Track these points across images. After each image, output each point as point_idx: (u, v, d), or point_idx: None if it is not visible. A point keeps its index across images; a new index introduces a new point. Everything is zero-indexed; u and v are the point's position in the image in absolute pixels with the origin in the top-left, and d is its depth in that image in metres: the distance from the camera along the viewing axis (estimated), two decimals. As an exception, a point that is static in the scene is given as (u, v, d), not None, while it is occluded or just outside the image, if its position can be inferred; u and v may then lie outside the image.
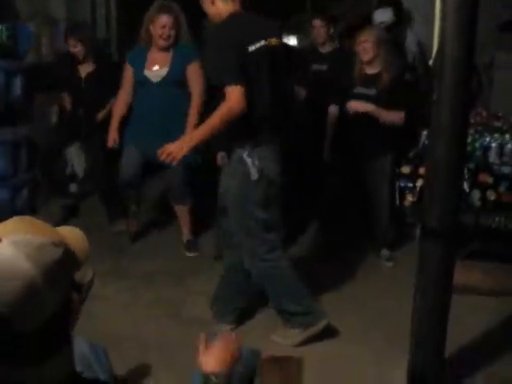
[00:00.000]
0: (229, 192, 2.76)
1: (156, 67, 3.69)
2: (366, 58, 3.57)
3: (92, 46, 4.28)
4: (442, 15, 2.13)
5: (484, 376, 2.62)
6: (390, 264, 3.79)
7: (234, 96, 2.47)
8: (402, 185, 3.49)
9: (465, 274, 3.26)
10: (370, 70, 3.62)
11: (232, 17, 2.62)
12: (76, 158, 5.13)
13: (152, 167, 3.83)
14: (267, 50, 2.61)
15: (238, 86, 2.48)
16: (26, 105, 4.55)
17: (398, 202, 3.49)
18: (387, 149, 3.64)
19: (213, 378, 1.37)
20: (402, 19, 4.20)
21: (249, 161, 2.60)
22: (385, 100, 3.54)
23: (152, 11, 3.66)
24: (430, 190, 2.30)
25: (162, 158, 2.52)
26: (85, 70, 4.28)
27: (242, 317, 3.06)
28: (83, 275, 2.24)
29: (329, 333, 2.91)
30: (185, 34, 3.70)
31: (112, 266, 3.75)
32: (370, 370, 2.68)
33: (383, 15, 4.26)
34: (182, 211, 3.94)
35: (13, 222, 1.04)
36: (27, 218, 1.07)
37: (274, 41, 2.65)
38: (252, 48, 2.56)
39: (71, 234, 1.13)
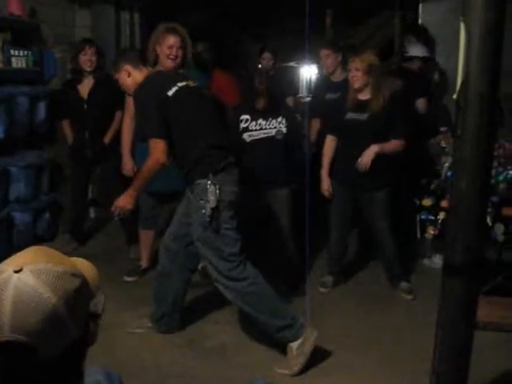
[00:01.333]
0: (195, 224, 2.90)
1: None
2: (355, 85, 3.59)
3: (101, 61, 4.39)
4: (465, 47, 2.12)
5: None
6: (409, 297, 3.73)
7: (158, 149, 2.82)
8: (424, 217, 3.44)
9: (487, 309, 3.18)
10: (362, 96, 3.63)
11: (147, 77, 2.99)
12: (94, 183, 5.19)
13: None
14: (187, 90, 2.95)
15: (160, 140, 2.82)
16: (49, 129, 4.63)
17: (419, 234, 3.45)
18: (384, 181, 3.64)
19: None
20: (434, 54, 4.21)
21: (211, 189, 2.77)
22: (377, 125, 3.55)
23: (158, 32, 3.67)
24: (454, 224, 2.25)
25: (115, 213, 2.94)
26: (85, 88, 4.33)
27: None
28: (96, 303, 2.24)
29: (344, 365, 2.87)
30: (189, 56, 3.72)
31: (129, 293, 3.75)
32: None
33: (419, 50, 4.25)
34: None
35: (32, 251, 1.06)
36: (45, 248, 1.08)
37: (191, 83, 3.00)
38: (170, 92, 2.89)
39: (82, 265, 1.15)
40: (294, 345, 2.84)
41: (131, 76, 3.01)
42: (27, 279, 0.97)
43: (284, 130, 3.77)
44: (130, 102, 3.81)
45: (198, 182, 2.83)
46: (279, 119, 3.78)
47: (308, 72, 6.34)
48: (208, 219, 2.78)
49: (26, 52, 4.36)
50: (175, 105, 2.88)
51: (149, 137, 2.85)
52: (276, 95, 3.87)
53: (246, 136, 3.77)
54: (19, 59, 4.31)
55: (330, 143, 3.79)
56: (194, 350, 3.12)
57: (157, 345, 3.16)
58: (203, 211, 2.79)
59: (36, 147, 4.57)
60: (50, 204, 4.65)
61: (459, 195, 2.21)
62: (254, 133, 3.75)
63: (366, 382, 2.81)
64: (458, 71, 2.23)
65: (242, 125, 3.77)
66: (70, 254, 4.43)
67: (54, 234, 4.68)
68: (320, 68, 5.06)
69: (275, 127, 3.76)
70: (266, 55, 5.30)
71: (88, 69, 4.30)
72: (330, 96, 4.34)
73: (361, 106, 3.63)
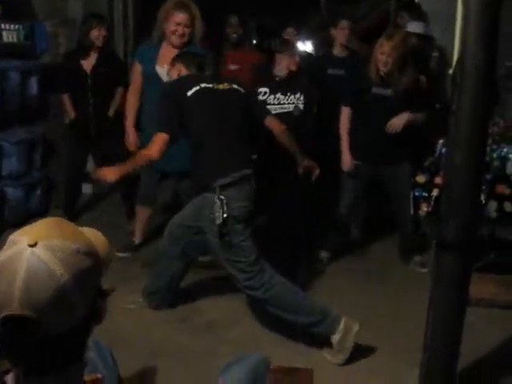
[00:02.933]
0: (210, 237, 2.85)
1: (166, 65, 3.53)
2: (384, 69, 3.51)
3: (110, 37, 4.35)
4: (463, 23, 2.10)
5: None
6: (424, 270, 3.72)
7: (156, 143, 2.81)
8: (417, 194, 3.44)
9: (480, 286, 3.21)
10: (385, 71, 3.56)
11: (181, 76, 3.05)
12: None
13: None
14: (210, 92, 2.89)
15: (161, 134, 2.81)
16: (41, 104, 4.57)
17: (412, 211, 3.46)
18: (406, 154, 3.64)
19: None
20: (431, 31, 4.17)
21: (217, 205, 2.71)
22: (402, 100, 3.51)
23: (167, 7, 3.59)
24: (447, 201, 2.26)
25: (97, 175, 2.88)
26: (88, 63, 4.27)
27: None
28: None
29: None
30: (198, 34, 3.63)
31: (121, 268, 3.74)
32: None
33: (417, 27, 4.20)
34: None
35: (47, 225, 1.02)
36: (61, 221, 1.05)
37: (222, 85, 2.93)
38: (190, 92, 2.85)
39: (96, 238, 1.11)
40: (334, 340, 2.75)
41: (180, 75, 3.07)
42: (41, 254, 0.94)
43: (301, 106, 3.75)
44: (136, 72, 3.76)
45: (206, 195, 2.78)
46: (297, 95, 3.75)
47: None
48: (218, 234, 2.75)
49: (17, 26, 4.29)
50: (192, 105, 2.85)
51: (157, 128, 2.86)
52: (296, 71, 3.83)
53: None
54: (10, 33, 4.24)
55: (346, 115, 3.71)
56: (187, 326, 3.12)
57: (149, 321, 3.17)
58: (212, 225, 2.76)
59: (28, 122, 4.52)
60: (43, 179, 4.62)
61: (453, 171, 2.21)
62: (271, 107, 3.68)
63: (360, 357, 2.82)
64: (455, 47, 2.22)
65: (260, 97, 3.71)
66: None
67: (46, 210, 4.66)
68: (319, 43, 5.00)
69: (293, 103, 3.75)
70: (289, 30, 5.17)
71: (99, 44, 4.23)
72: (332, 71, 4.30)
73: (385, 81, 3.55)
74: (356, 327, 2.74)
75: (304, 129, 3.78)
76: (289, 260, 3.62)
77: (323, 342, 2.83)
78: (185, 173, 3.44)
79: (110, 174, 2.82)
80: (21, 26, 4.34)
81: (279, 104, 3.75)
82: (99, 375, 1.81)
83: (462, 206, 2.20)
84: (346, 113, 3.72)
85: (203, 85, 2.88)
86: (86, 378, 1.82)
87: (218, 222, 2.71)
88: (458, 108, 2.13)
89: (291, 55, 3.71)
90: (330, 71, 4.31)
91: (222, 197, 2.71)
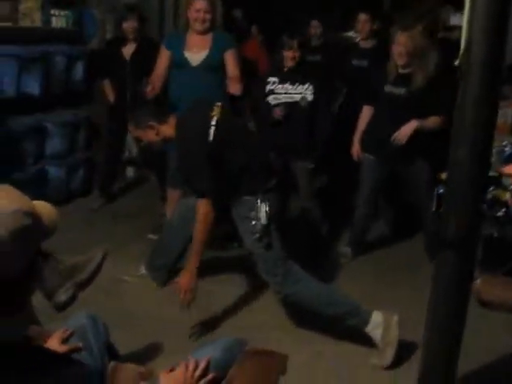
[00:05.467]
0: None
1: (195, 50, 3.70)
2: (400, 61, 3.45)
3: (143, 27, 4.43)
4: (469, 12, 2.02)
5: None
6: None
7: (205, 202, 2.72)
8: (441, 191, 3.33)
9: (504, 290, 3.10)
10: (403, 70, 3.50)
11: None
12: (132, 143, 5.30)
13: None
14: (221, 122, 2.70)
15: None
16: (87, 88, 4.75)
17: (434, 208, 3.35)
18: (423, 152, 3.55)
19: None
20: None
21: (262, 207, 2.72)
22: (414, 101, 3.43)
23: None
24: (449, 196, 2.19)
25: (181, 297, 2.77)
26: (128, 51, 4.38)
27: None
28: (93, 256, 2.32)
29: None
30: (219, 19, 3.76)
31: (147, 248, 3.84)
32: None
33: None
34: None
35: None
36: (6, 187, 1.16)
37: (216, 112, 2.74)
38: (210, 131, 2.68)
39: (44, 208, 1.22)
40: (377, 338, 2.72)
41: None
42: None
43: (309, 97, 3.73)
44: (162, 58, 3.78)
45: (246, 198, 2.79)
46: (306, 85, 3.74)
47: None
48: (258, 236, 2.76)
49: (65, 12, 4.47)
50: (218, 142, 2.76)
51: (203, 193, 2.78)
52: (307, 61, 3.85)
53: (271, 98, 3.77)
54: (59, 19, 4.43)
55: (367, 112, 3.71)
56: (200, 305, 3.16)
57: (163, 297, 3.24)
58: (252, 227, 2.77)
59: (73, 105, 4.70)
60: (85, 161, 4.80)
61: (455, 166, 2.14)
62: (278, 96, 3.74)
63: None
64: (462, 36, 2.15)
65: (269, 87, 3.77)
66: (95, 210, 4.53)
67: (88, 191, 4.83)
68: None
69: (300, 93, 3.73)
70: (314, 23, 5.20)
71: (130, 36, 4.36)
72: (356, 62, 4.25)
73: (399, 80, 3.51)
74: (395, 318, 2.71)
75: (312, 119, 3.76)
76: (310, 256, 3.63)
77: (369, 344, 2.77)
78: None
79: (187, 282, 2.77)
80: (70, 13, 4.51)
81: (286, 93, 3.73)
82: (80, 344, 1.89)
83: (465, 202, 2.13)
84: (366, 109, 3.71)
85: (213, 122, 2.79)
86: (69, 345, 1.91)
87: (264, 223, 2.74)
88: (462, 99, 2.06)
89: (296, 48, 3.67)
90: (354, 62, 4.26)
91: (266, 199, 2.76)
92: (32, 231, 1.12)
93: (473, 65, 2.03)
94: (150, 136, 2.83)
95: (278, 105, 3.73)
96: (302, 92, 3.74)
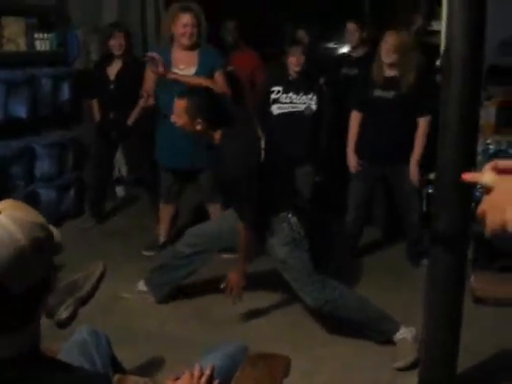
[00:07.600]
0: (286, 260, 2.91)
1: (182, 66, 3.66)
2: (387, 60, 3.50)
3: (130, 43, 4.45)
4: (448, 12, 2.08)
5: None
6: None
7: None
8: (431, 191, 3.39)
9: (498, 286, 3.15)
10: (389, 73, 3.56)
11: None
12: (122, 162, 5.32)
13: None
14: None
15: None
16: (75, 108, 4.77)
17: (425, 208, 3.41)
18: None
19: None
20: None
21: (293, 221, 2.86)
22: (404, 104, 3.50)
23: (173, 11, 3.71)
24: (438, 194, 2.24)
25: (227, 292, 3.01)
26: (113, 70, 4.40)
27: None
28: (91, 271, 2.33)
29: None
30: (204, 33, 3.72)
31: (146, 266, 3.84)
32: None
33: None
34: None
35: (10, 202, 1.22)
36: (22, 203, 1.24)
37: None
38: None
39: (51, 226, 1.27)
40: (408, 336, 2.77)
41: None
42: (3, 221, 1.12)
43: (314, 107, 3.79)
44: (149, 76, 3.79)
45: (282, 213, 2.88)
46: (310, 95, 3.81)
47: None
48: (292, 246, 2.87)
49: (49, 35, 4.49)
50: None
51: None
52: (310, 72, 3.90)
53: (274, 108, 3.83)
54: (43, 42, 4.44)
55: (355, 119, 3.74)
56: (201, 320, 3.19)
57: (164, 313, 3.26)
58: (285, 239, 2.88)
59: (61, 127, 4.71)
60: (75, 181, 4.80)
61: (443, 164, 2.19)
62: (283, 105, 3.80)
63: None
64: (441, 35, 2.20)
65: (273, 96, 3.83)
66: (88, 229, 4.49)
67: (80, 211, 4.83)
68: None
69: (305, 103, 3.80)
70: (301, 32, 5.21)
71: (117, 53, 4.38)
72: (345, 71, 4.31)
73: (387, 83, 3.56)
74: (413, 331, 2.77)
75: (315, 129, 3.82)
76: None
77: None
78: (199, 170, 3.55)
79: (237, 281, 2.98)
80: (54, 35, 4.54)
81: (291, 103, 3.81)
82: (54, 348, 1.89)
83: (452, 200, 2.18)
84: (354, 116, 3.73)
85: None
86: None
87: (295, 236, 2.87)
88: (445, 99, 2.12)
89: (300, 54, 3.75)
90: (343, 71, 4.32)
91: (295, 215, 2.89)
92: (47, 243, 1.18)
93: (454, 65, 2.09)
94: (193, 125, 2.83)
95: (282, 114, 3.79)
96: (307, 102, 3.80)
